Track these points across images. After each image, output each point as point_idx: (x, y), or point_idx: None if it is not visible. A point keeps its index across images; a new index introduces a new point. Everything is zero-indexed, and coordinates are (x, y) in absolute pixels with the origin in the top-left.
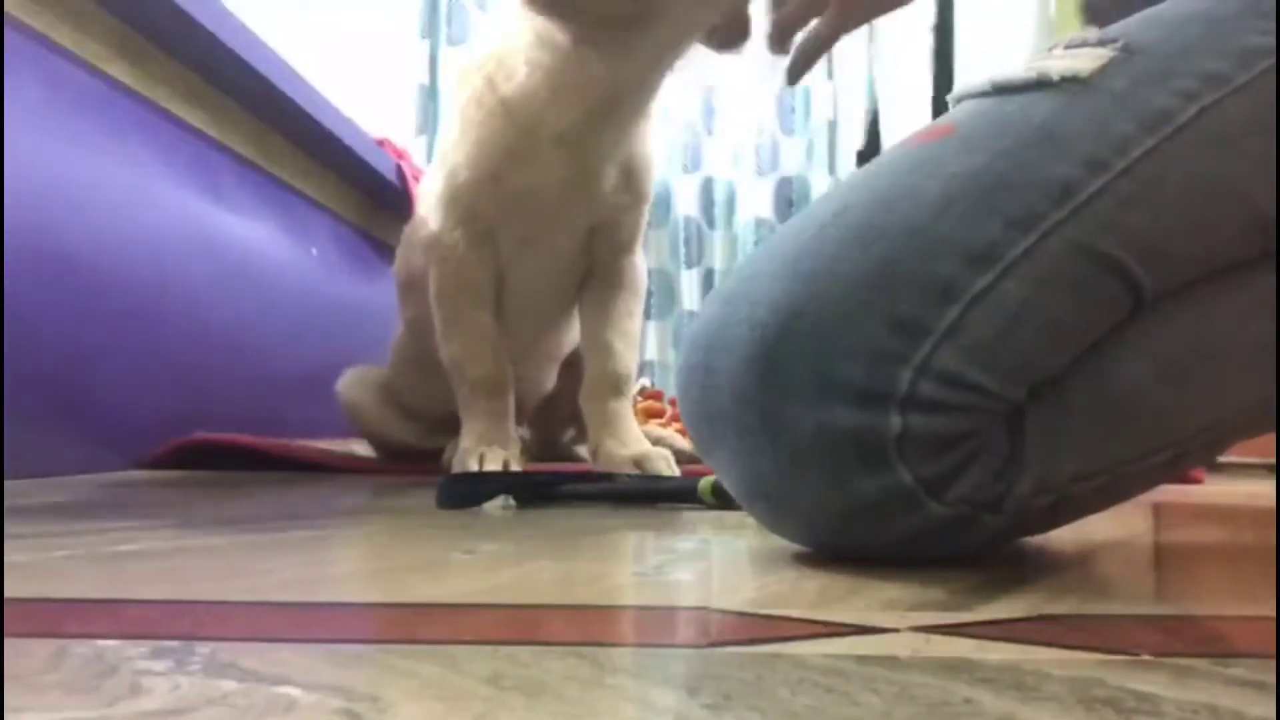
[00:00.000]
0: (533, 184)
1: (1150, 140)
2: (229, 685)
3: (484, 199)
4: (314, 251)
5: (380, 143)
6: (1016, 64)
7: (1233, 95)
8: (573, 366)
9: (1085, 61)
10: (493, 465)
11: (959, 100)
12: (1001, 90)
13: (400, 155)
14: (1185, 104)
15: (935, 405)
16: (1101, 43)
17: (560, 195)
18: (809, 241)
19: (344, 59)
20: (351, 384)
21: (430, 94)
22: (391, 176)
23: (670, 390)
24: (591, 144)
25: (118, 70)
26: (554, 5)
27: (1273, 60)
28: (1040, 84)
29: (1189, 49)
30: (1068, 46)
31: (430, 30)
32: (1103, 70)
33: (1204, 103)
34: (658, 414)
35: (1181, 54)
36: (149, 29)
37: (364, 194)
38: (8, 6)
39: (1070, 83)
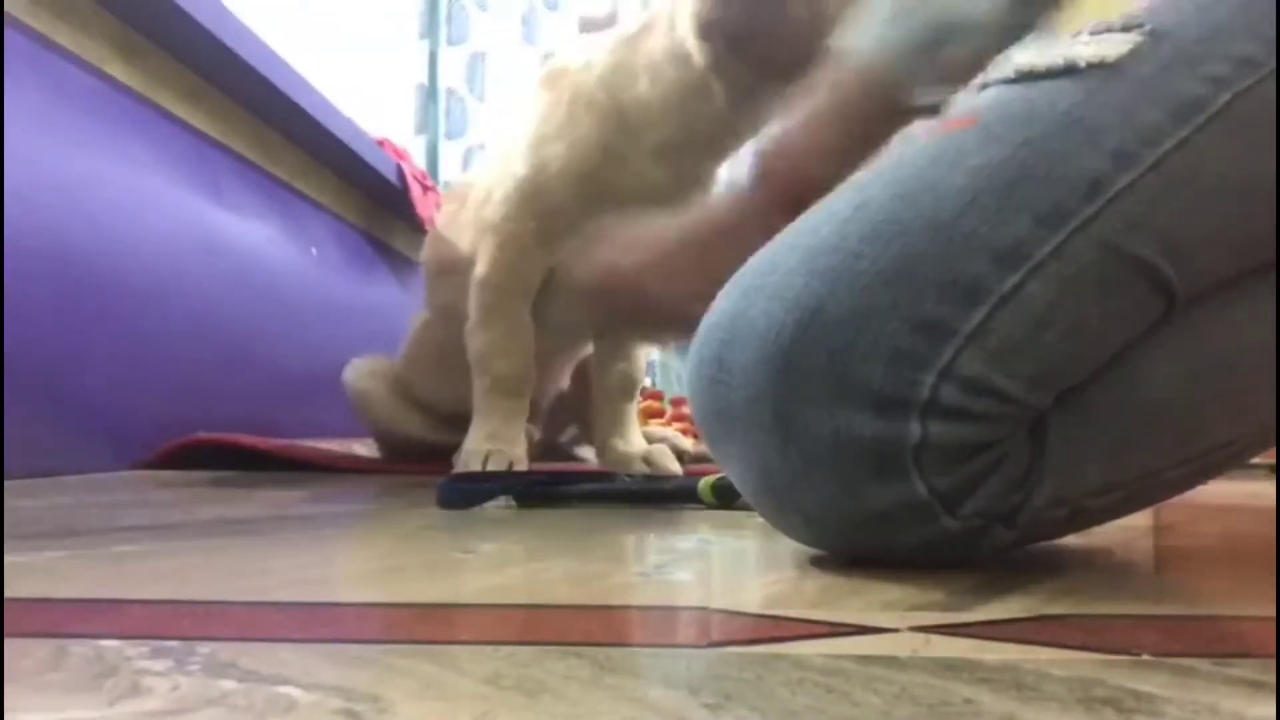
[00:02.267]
0: (622, 188)
1: (1181, 131)
2: (229, 685)
3: (571, 195)
4: (314, 251)
5: (380, 143)
6: (1041, 50)
7: (1265, 80)
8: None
9: (1112, 47)
10: (497, 466)
11: (982, 87)
12: (1026, 77)
13: (400, 155)
14: (1216, 90)
15: (957, 412)
16: (1128, 27)
17: (647, 206)
18: (829, 236)
19: (344, 59)
20: (359, 374)
21: (430, 94)
22: (392, 176)
23: (670, 390)
24: (689, 166)
25: (118, 70)
26: (733, 45)
27: None
28: (1067, 70)
29: (1219, 32)
30: (1093, 32)
31: (430, 31)
32: (1131, 55)
33: (1236, 89)
34: (658, 414)
35: (1211, 37)
36: (149, 29)
37: (364, 194)
38: (8, 6)
39: (1097, 69)
